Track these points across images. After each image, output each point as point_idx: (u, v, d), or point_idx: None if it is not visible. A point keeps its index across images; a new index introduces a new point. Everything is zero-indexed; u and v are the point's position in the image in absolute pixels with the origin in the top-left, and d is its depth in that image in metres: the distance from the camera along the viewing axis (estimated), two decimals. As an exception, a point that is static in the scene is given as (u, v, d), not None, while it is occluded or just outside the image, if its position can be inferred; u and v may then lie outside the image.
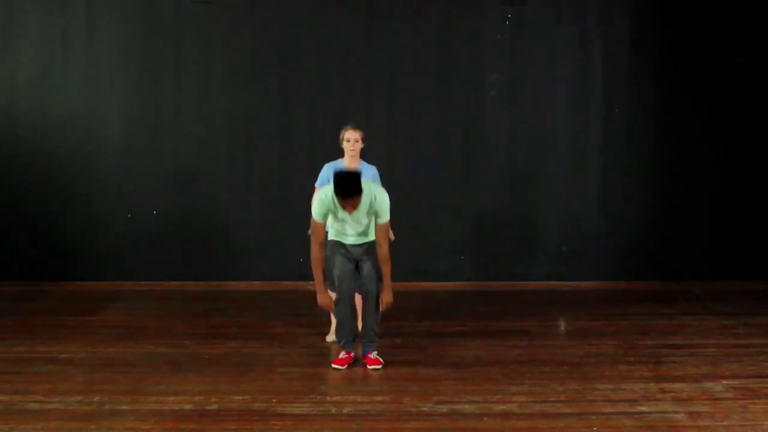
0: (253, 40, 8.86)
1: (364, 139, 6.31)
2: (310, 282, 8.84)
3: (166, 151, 8.86)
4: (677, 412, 4.91)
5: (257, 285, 8.82)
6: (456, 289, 8.84)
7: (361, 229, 5.88)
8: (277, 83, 8.90)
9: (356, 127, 6.32)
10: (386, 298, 5.85)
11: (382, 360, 5.90)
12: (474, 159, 9.00)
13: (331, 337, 6.50)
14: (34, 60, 8.82)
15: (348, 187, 5.47)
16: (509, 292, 8.73)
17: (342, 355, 5.95)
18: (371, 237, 5.91)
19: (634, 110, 9.03)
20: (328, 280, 6.05)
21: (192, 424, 4.68)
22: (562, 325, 7.41)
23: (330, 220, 5.90)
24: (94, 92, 8.84)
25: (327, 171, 6.35)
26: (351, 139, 6.25)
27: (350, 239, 5.94)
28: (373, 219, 5.80)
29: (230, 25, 8.85)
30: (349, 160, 6.30)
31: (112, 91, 8.85)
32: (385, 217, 5.74)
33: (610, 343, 6.54)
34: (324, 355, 6.20)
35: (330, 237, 6.04)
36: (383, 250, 5.78)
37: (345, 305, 5.89)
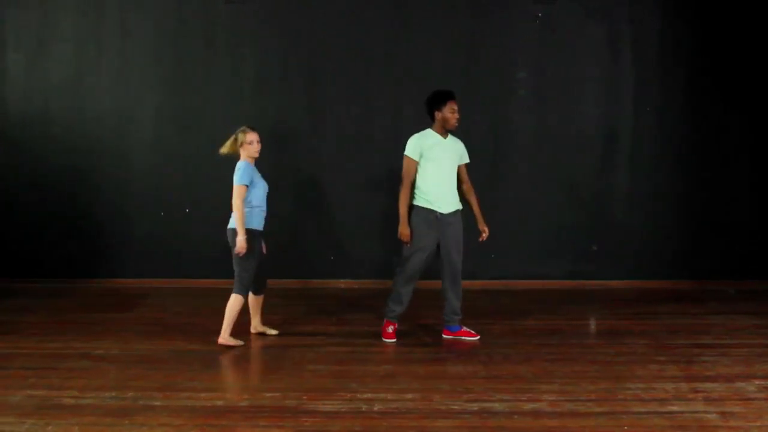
0: (283, 41, 8.91)
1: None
2: (341, 280, 8.97)
3: (197, 150, 8.93)
4: (709, 412, 4.88)
5: (287, 283, 8.87)
6: (485, 287, 8.84)
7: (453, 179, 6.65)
8: (306, 83, 8.95)
9: (253, 128, 6.57)
10: (486, 227, 6.77)
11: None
12: (503, 157, 9.00)
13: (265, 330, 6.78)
14: (68, 61, 8.95)
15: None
16: (538, 291, 8.71)
17: (389, 329, 6.58)
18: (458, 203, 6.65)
19: (664, 108, 8.98)
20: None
21: (224, 421, 4.72)
22: (592, 324, 7.38)
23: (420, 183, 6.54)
24: (126, 92, 8.95)
25: (251, 169, 6.46)
26: (254, 141, 6.48)
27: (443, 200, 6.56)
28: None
29: (261, 26, 8.91)
30: (252, 160, 6.50)
31: (144, 91, 8.96)
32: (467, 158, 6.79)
33: (640, 343, 6.51)
34: (354, 352, 6.23)
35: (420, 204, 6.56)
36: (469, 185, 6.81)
37: (413, 284, 6.56)
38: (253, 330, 6.78)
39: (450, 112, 6.52)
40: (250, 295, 6.66)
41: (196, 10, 8.91)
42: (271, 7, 8.91)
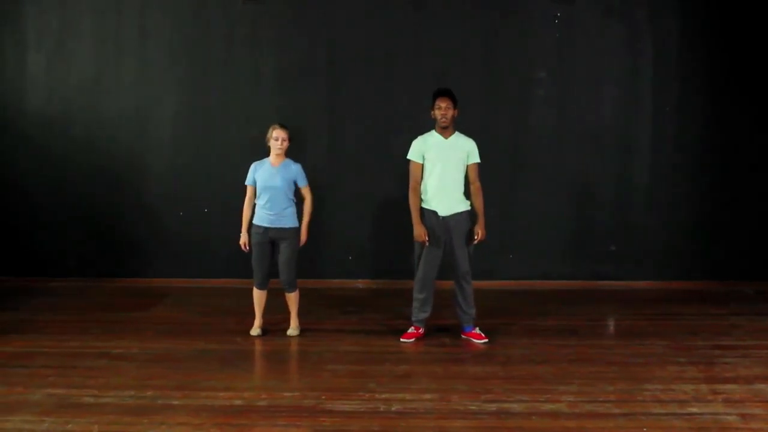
0: (302, 40, 8.91)
1: (290, 138, 6.77)
2: (359, 280, 8.96)
3: (216, 150, 8.96)
4: (729, 414, 4.85)
5: (305, 282, 8.85)
6: (503, 287, 8.81)
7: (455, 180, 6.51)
8: (325, 83, 8.95)
9: (283, 126, 6.75)
10: (481, 231, 6.53)
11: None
12: (521, 158, 8.97)
13: (255, 331, 6.80)
14: (88, 61, 8.99)
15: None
16: (556, 291, 8.68)
17: (410, 329, 6.63)
18: (463, 203, 6.54)
19: (684, 109, 8.92)
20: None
21: (242, 420, 4.74)
22: (611, 325, 7.35)
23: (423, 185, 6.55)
24: (145, 92, 8.98)
25: (253, 168, 6.78)
26: (279, 138, 6.67)
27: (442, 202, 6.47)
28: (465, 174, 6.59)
29: (279, 25, 8.92)
30: (275, 158, 6.73)
31: (163, 91, 8.98)
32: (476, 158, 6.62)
33: (659, 344, 6.47)
34: (372, 352, 6.24)
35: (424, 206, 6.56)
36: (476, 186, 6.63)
37: (429, 287, 6.55)
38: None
39: (436, 110, 6.50)
40: (255, 290, 6.81)
41: (214, 10, 8.92)
42: (290, 6, 8.92)
